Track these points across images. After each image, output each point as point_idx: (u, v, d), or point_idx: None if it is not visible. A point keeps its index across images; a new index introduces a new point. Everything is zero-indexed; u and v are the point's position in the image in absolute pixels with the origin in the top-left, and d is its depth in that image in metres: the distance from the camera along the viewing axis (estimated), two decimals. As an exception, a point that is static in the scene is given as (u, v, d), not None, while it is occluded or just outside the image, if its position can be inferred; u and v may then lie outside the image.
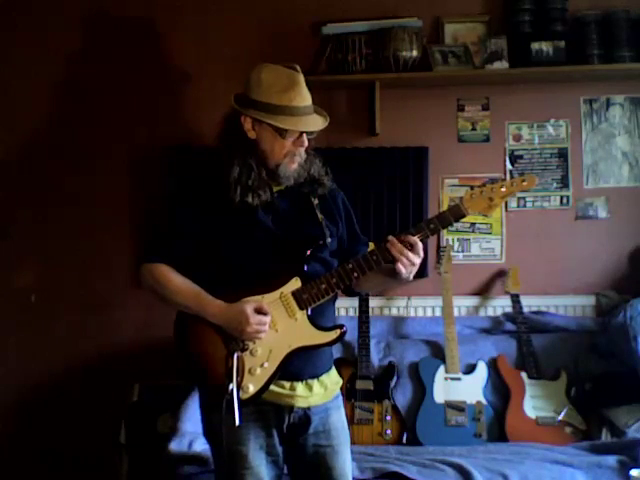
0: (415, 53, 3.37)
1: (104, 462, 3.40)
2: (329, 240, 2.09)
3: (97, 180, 3.57)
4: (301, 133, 2.03)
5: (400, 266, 1.97)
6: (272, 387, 2.01)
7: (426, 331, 3.46)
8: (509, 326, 3.44)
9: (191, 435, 2.74)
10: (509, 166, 3.56)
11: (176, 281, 2.05)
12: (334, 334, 2.01)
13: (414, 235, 1.98)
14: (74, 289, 3.57)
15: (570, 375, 3.22)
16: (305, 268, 2.01)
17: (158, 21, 3.54)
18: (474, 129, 3.57)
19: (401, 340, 3.43)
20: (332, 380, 2.16)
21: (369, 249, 2.07)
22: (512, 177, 3.51)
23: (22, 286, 3.58)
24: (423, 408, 3.16)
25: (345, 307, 3.47)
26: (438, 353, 3.31)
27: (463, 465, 2.67)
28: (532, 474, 2.65)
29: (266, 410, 2.05)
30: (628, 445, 2.77)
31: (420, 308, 3.57)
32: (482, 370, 3.25)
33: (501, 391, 3.23)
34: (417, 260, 1.98)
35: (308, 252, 2.02)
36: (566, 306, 3.53)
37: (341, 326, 2.02)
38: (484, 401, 3.18)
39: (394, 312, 3.57)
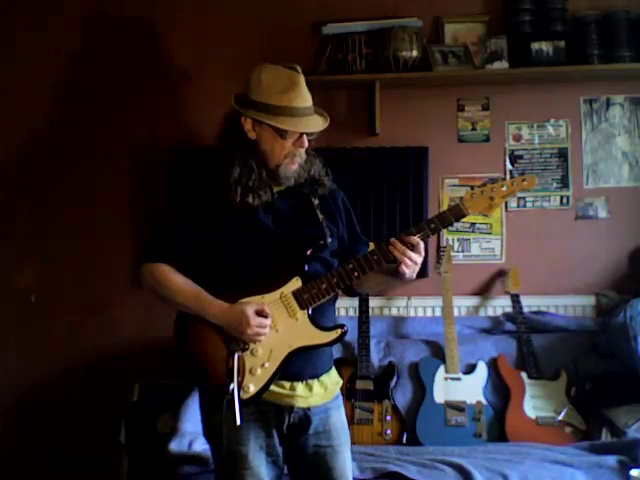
0: (415, 53, 3.37)
1: (104, 462, 3.40)
2: (330, 240, 2.09)
3: (97, 180, 3.57)
4: (301, 134, 2.03)
5: (403, 267, 1.97)
6: (272, 387, 2.01)
7: (426, 331, 3.46)
8: (509, 326, 3.44)
9: (191, 435, 2.74)
10: (509, 166, 3.56)
11: (176, 281, 2.05)
12: (335, 334, 2.01)
13: (415, 235, 1.99)
14: (74, 289, 3.57)
15: (570, 375, 3.22)
16: (306, 268, 2.01)
17: (158, 21, 3.54)
18: (474, 129, 3.57)
19: (401, 340, 3.43)
20: (332, 380, 2.16)
21: (369, 249, 2.08)
22: (512, 177, 3.51)
23: (22, 286, 3.58)
24: (423, 408, 3.16)
25: (345, 307, 3.48)
26: (438, 353, 3.31)
27: (463, 465, 2.67)
28: (532, 474, 2.65)
29: (266, 410, 2.05)
30: (628, 445, 2.78)
31: (420, 308, 3.57)
32: (482, 370, 3.25)
33: (501, 391, 3.23)
34: (419, 259, 1.99)
35: (309, 252, 2.02)
36: (566, 306, 3.54)
37: (342, 326, 2.02)
38: (484, 401, 3.18)
39: (394, 312, 3.57)
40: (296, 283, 2.01)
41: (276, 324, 2.00)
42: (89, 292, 3.57)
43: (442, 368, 3.23)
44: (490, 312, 3.56)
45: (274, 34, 3.51)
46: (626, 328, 3.12)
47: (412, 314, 3.56)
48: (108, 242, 3.57)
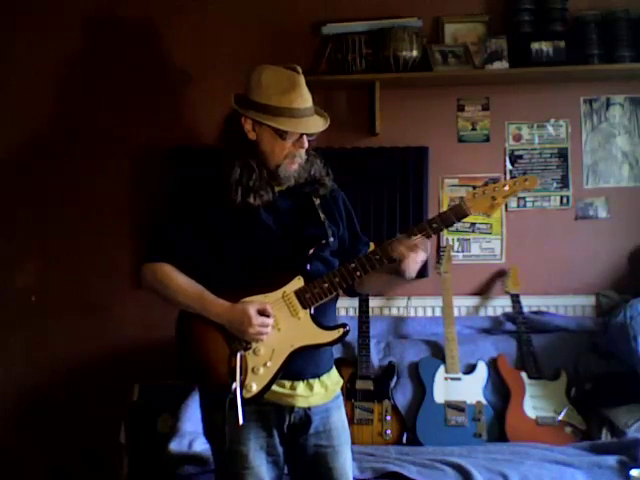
0: (415, 53, 3.37)
1: (104, 462, 3.40)
2: (331, 239, 2.10)
3: (97, 180, 3.57)
4: (301, 134, 2.03)
5: (406, 264, 1.97)
6: (273, 387, 2.01)
7: (426, 331, 3.46)
8: (509, 326, 3.44)
9: (191, 435, 2.73)
10: (509, 166, 3.56)
11: (178, 280, 2.05)
12: (337, 333, 2.01)
13: (416, 234, 1.99)
14: (74, 289, 3.57)
15: (570, 375, 3.22)
16: (308, 267, 2.02)
17: (158, 21, 3.54)
18: (474, 129, 3.57)
19: (401, 340, 3.43)
20: (333, 380, 2.16)
21: (370, 249, 2.08)
22: (512, 177, 3.51)
23: (22, 286, 3.58)
24: (423, 408, 3.16)
25: (345, 307, 3.47)
26: (438, 353, 3.31)
27: (463, 465, 2.67)
28: (532, 474, 2.65)
29: (267, 410, 2.05)
30: (628, 445, 2.77)
31: (420, 308, 3.57)
32: (482, 370, 3.25)
33: (501, 391, 3.23)
34: (423, 258, 2.00)
35: (311, 251, 2.02)
36: (566, 306, 3.54)
37: (344, 325, 2.02)
38: (484, 401, 3.18)
39: (394, 312, 3.57)
40: (298, 282, 2.01)
41: (278, 323, 2.00)
42: (89, 292, 3.56)
43: (442, 368, 3.23)
44: (490, 312, 3.56)
45: (274, 34, 3.51)
46: (626, 328, 3.12)
47: (412, 314, 3.56)
48: (108, 242, 3.56)
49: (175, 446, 2.69)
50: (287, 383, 2.04)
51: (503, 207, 3.51)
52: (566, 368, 3.24)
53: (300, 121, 2.01)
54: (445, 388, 3.19)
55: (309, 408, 2.08)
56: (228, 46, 3.52)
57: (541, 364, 3.26)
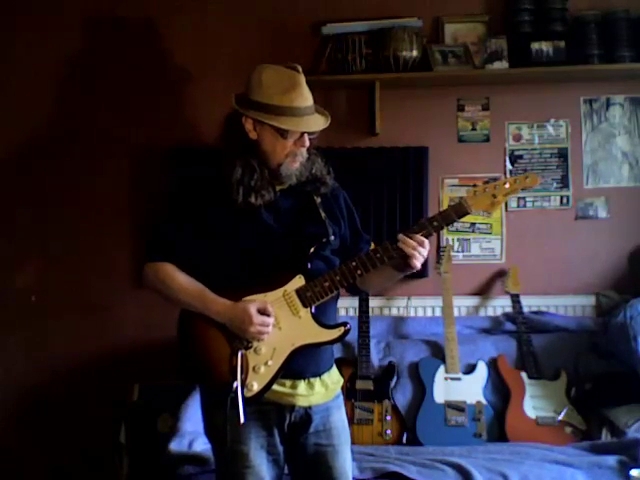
0: (415, 53, 3.37)
1: (104, 462, 3.40)
2: (332, 238, 2.10)
3: (97, 180, 3.57)
4: (302, 133, 2.04)
5: (414, 260, 1.99)
6: (274, 386, 2.01)
7: (426, 331, 3.46)
8: (509, 326, 3.44)
9: (191, 435, 2.73)
10: (509, 166, 3.56)
11: (180, 280, 2.06)
12: (338, 332, 2.01)
13: (417, 232, 1.99)
14: (74, 289, 3.56)
15: (570, 375, 3.22)
16: (308, 266, 2.02)
17: (158, 21, 3.54)
18: (474, 129, 3.57)
19: (401, 340, 3.43)
20: (333, 379, 2.16)
21: (371, 247, 2.08)
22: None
23: (22, 286, 3.57)
24: (423, 408, 3.16)
25: (345, 307, 3.48)
26: (438, 353, 3.31)
27: (463, 465, 2.67)
28: (532, 474, 2.65)
29: (267, 409, 2.05)
30: (628, 445, 2.77)
31: (420, 308, 3.57)
32: (482, 370, 3.25)
33: (501, 391, 3.23)
34: (425, 253, 2.01)
35: (312, 249, 2.02)
36: (566, 306, 3.54)
37: (345, 324, 2.02)
38: (484, 401, 3.18)
39: (394, 312, 3.57)
40: (299, 281, 2.01)
41: (279, 322, 2.00)
42: (89, 292, 3.56)
43: (442, 368, 3.23)
44: (490, 312, 3.56)
45: (274, 34, 3.51)
46: (626, 328, 3.12)
47: (412, 314, 3.56)
48: (108, 242, 3.56)
49: (175, 446, 2.69)
50: (288, 382, 2.04)
51: (503, 207, 3.52)
52: (566, 368, 3.24)
53: (301, 120, 2.02)
54: (445, 388, 3.19)
55: (309, 407, 2.08)
56: (228, 46, 3.52)
57: (541, 364, 3.26)
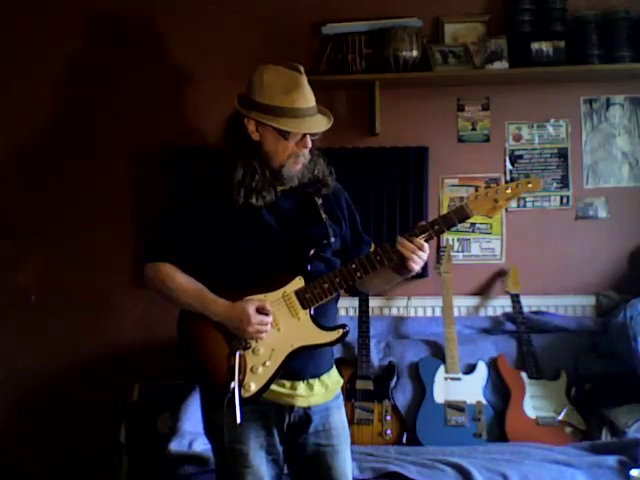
0: (415, 53, 3.37)
1: (104, 462, 3.40)
2: (333, 240, 2.10)
3: (97, 180, 3.57)
4: (304, 134, 2.03)
5: (412, 264, 1.98)
6: (273, 386, 2.01)
7: (426, 331, 3.46)
8: (509, 326, 3.44)
9: (191, 435, 2.73)
10: (509, 166, 3.56)
11: (179, 280, 2.06)
12: (336, 334, 2.01)
13: (418, 236, 1.99)
14: (74, 289, 3.56)
15: (570, 375, 3.22)
16: (308, 267, 2.02)
17: (158, 21, 3.54)
18: (474, 129, 3.57)
19: (401, 340, 3.43)
20: (333, 380, 2.16)
21: (371, 249, 2.08)
22: (512, 177, 3.52)
23: (22, 286, 3.57)
24: (423, 408, 3.16)
25: (345, 307, 3.48)
26: (438, 353, 3.31)
27: (463, 465, 2.67)
28: (532, 474, 2.65)
29: (267, 409, 2.05)
30: (628, 445, 2.77)
31: (420, 308, 3.57)
32: (482, 370, 3.25)
33: (501, 391, 3.23)
34: (425, 257, 2.01)
35: (312, 251, 2.02)
36: (566, 306, 3.54)
37: (344, 326, 2.02)
38: (484, 401, 3.18)
39: (394, 312, 3.57)
40: (299, 283, 2.01)
41: (278, 323, 2.00)
42: (89, 292, 3.56)
43: (442, 368, 3.23)
44: (490, 312, 3.56)
45: (274, 34, 3.51)
46: (626, 328, 3.12)
47: (412, 314, 3.56)
48: (108, 242, 3.56)
49: (175, 446, 2.69)
50: (287, 383, 2.05)
51: (503, 207, 3.51)
52: (566, 368, 3.24)
53: (303, 121, 2.01)
54: (445, 388, 3.19)
55: (309, 407, 2.08)
56: (228, 46, 3.51)
57: (541, 364, 3.26)
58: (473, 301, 3.57)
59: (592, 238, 3.55)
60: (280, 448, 2.09)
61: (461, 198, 3.51)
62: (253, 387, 1.99)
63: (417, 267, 2.00)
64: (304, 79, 2.04)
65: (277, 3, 3.54)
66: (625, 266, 3.54)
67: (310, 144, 2.05)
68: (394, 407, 3.16)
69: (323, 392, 2.11)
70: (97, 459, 3.46)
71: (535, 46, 3.35)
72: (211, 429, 2.11)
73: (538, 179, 2.07)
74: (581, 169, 3.55)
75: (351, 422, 3.05)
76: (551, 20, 3.39)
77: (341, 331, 2.01)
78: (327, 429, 2.11)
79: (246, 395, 1.98)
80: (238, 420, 1.94)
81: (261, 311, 1.98)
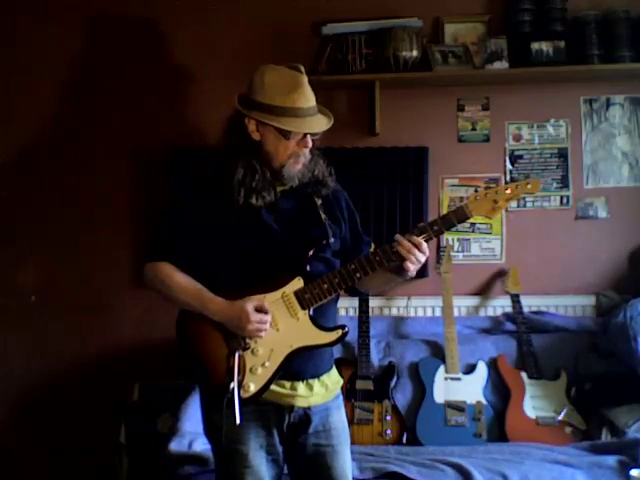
0: (415, 53, 3.37)
1: (104, 462, 3.40)
2: (332, 240, 2.10)
3: (97, 180, 3.57)
4: (305, 134, 2.03)
5: (408, 264, 1.98)
6: (272, 387, 2.01)
7: (426, 331, 3.46)
8: (509, 326, 3.44)
9: (191, 435, 2.73)
10: (509, 166, 3.56)
11: (179, 279, 2.06)
12: (336, 334, 2.01)
13: (418, 236, 1.99)
14: (74, 289, 3.56)
15: (570, 375, 3.22)
16: (307, 268, 2.02)
17: (159, 21, 3.54)
18: (474, 129, 3.57)
19: (401, 340, 3.43)
20: (333, 380, 2.16)
21: (371, 250, 2.08)
22: (512, 177, 3.52)
23: (22, 286, 3.57)
24: (423, 408, 3.16)
25: (345, 307, 3.48)
26: (438, 353, 3.31)
27: (463, 465, 2.67)
28: (532, 474, 2.65)
29: (266, 409, 2.05)
30: (628, 445, 2.77)
31: (420, 308, 3.57)
32: (482, 370, 3.25)
33: (501, 391, 3.23)
34: (423, 258, 2.00)
35: (311, 252, 2.02)
36: (566, 306, 3.54)
37: (343, 326, 2.02)
38: (484, 401, 3.18)
39: (394, 312, 3.57)
40: (298, 283, 2.01)
41: (277, 323, 2.00)
42: (89, 292, 3.56)
43: (442, 368, 3.23)
44: (490, 312, 3.56)
45: (274, 34, 3.51)
46: (626, 328, 3.12)
47: (412, 314, 3.56)
48: (108, 242, 3.56)
49: (175, 446, 2.69)
50: (287, 383, 2.05)
51: (503, 207, 3.51)
52: (566, 368, 3.24)
53: (304, 121, 2.01)
54: (445, 388, 3.19)
55: (309, 408, 2.08)
56: (228, 46, 3.52)
57: (541, 364, 3.26)
58: (473, 301, 3.57)
59: (592, 238, 3.55)
60: (280, 448, 2.09)
61: (461, 198, 3.51)
62: (252, 388, 1.99)
63: (413, 268, 1.99)
64: (305, 79, 2.04)
65: (277, 3, 3.54)
66: (625, 266, 3.54)
67: (311, 144, 2.05)
68: (394, 407, 3.16)
69: (323, 392, 2.11)
70: (97, 459, 3.46)
71: (535, 46, 3.35)
72: (211, 429, 2.11)
73: (537, 180, 2.07)
74: (581, 169, 3.55)
75: (351, 422, 3.05)
76: (551, 20, 3.39)
77: (340, 332, 2.01)
78: (327, 429, 2.11)
79: (245, 396, 1.98)
80: (237, 421, 1.94)
81: (260, 309, 1.98)
